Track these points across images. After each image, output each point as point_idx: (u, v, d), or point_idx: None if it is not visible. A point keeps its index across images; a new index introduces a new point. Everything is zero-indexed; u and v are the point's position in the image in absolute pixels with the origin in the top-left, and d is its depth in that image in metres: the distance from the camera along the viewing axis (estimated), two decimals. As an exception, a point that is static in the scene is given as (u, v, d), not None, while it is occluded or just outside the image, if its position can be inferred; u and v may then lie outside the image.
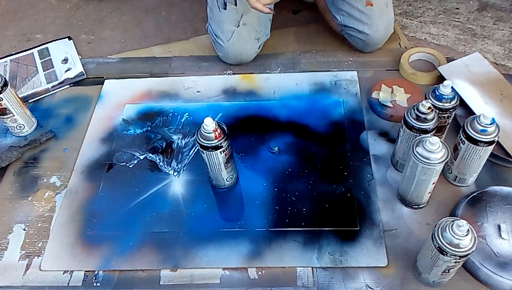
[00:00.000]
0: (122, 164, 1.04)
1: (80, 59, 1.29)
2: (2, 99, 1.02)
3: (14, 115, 1.07)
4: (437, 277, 0.77)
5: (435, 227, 0.72)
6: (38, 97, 1.20)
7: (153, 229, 0.93)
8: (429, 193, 0.88)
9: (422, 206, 0.91)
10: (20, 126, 1.10)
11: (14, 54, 1.33)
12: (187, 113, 1.14)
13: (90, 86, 1.22)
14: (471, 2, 1.41)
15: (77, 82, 1.23)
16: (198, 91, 1.19)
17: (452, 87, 0.89)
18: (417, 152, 0.80)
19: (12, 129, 1.10)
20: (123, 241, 0.92)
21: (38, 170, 1.05)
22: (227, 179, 0.96)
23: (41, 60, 1.30)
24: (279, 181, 0.98)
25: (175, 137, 1.09)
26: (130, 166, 1.04)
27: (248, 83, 1.20)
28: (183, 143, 1.07)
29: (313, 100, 1.13)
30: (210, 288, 0.85)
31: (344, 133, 1.06)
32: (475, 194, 0.90)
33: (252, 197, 0.97)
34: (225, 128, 0.87)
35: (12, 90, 1.05)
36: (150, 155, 1.06)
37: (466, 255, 0.71)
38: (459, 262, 0.72)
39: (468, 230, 0.70)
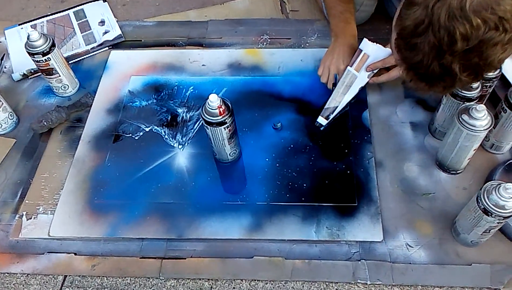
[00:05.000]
0: (128, 135, 1.06)
1: (116, 21, 1.30)
2: (50, 59, 1.04)
3: (60, 76, 1.09)
4: (477, 237, 0.82)
5: (480, 190, 0.76)
6: (78, 59, 1.22)
7: (158, 200, 0.95)
8: (469, 159, 0.91)
9: (459, 172, 0.95)
10: (64, 87, 1.12)
11: (50, 15, 1.34)
12: (192, 87, 1.14)
13: (129, 49, 1.24)
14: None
15: (116, 44, 1.25)
16: (203, 65, 1.19)
17: (496, 57, 0.91)
18: (463, 119, 0.83)
19: (56, 89, 1.13)
20: (129, 211, 0.94)
21: (82, 129, 1.08)
22: (230, 154, 0.98)
23: (78, 22, 1.31)
24: (281, 157, 1.00)
25: (180, 110, 1.10)
26: (136, 138, 1.05)
27: (253, 58, 1.20)
28: (188, 117, 1.08)
29: (316, 77, 1.11)
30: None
31: (346, 111, 1.06)
32: (511, 161, 0.94)
33: (254, 172, 0.99)
34: (229, 104, 0.88)
35: (58, 51, 1.06)
36: (156, 127, 1.07)
37: (510, 216, 0.75)
38: (501, 222, 0.77)
39: (514, 192, 0.73)
